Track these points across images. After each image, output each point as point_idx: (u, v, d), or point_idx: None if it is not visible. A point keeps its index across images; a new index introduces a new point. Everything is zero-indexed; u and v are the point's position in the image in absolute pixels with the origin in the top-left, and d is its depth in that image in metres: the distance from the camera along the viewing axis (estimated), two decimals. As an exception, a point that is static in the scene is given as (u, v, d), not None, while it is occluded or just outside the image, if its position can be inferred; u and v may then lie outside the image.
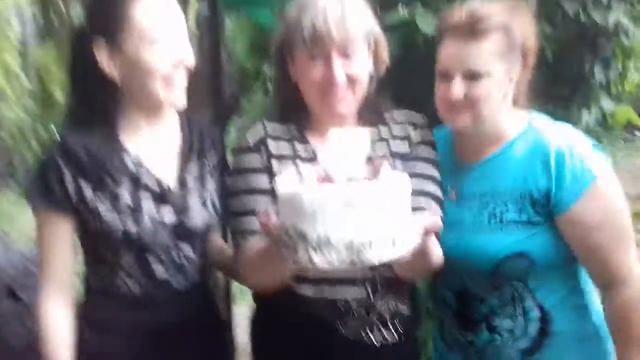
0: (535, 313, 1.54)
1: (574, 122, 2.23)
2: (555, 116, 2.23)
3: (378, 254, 1.01)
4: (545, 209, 1.47)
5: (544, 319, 1.53)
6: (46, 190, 1.44)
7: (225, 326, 1.76)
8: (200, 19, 3.20)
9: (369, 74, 1.48)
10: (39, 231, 1.49)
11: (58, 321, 1.48)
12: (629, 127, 2.48)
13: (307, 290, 1.46)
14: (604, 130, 2.33)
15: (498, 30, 1.42)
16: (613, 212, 1.48)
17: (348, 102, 1.45)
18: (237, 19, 3.19)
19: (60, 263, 1.48)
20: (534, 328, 1.54)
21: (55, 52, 2.18)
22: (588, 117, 2.21)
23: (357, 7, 1.43)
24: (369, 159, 1.37)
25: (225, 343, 1.75)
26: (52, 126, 3.19)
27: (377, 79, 1.53)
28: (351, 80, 1.42)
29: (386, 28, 1.92)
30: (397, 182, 1.08)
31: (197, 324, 1.57)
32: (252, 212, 1.43)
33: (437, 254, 1.34)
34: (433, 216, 1.21)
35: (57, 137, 1.75)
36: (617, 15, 1.93)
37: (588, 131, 2.21)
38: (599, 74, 2.15)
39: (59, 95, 2.32)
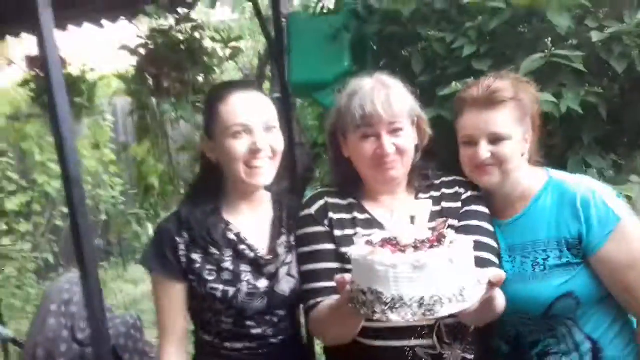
0: (586, 345, 1.65)
1: (640, 170, 2.25)
2: (620, 166, 2.28)
3: (447, 308, 1.11)
4: (580, 250, 1.60)
5: (595, 348, 1.65)
6: (162, 258, 1.67)
7: None
8: (273, 101, 3.47)
9: (414, 145, 1.66)
10: (155, 293, 1.72)
11: None
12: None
13: (376, 342, 1.56)
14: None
15: (512, 100, 1.62)
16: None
17: (398, 169, 1.62)
18: (306, 100, 3.44)
19: (176, 321, 1.69)
20: (587, 359, 1.64)
21: (151, 147, 2.52)
22: (654, 164, 2.22)
23: (399, 90, 1.63)
24: (431, 224, 1.50)
25: None
26: (150, 209, 3.55)
27: (421, 148, 1.71)
28: (399, 151, 1.60)
29: (443, 99, 2.09)
30: (459, 242, 1.19)
31: None
32: (319, 274, 1.59)
33: (501, 302, 1.44)
34: (496, 270, 1.33)
35: (152, 215, 2.03)
36: (666, 66, 1.97)
37: (654, 178, 2.22)
38: (659, 121, 2.16)
39: (155, 181, 2.65)
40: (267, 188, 1.84)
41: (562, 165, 2.19)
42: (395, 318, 1.11)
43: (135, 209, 3.95)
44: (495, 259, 1.60)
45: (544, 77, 2.06)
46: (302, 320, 1.82)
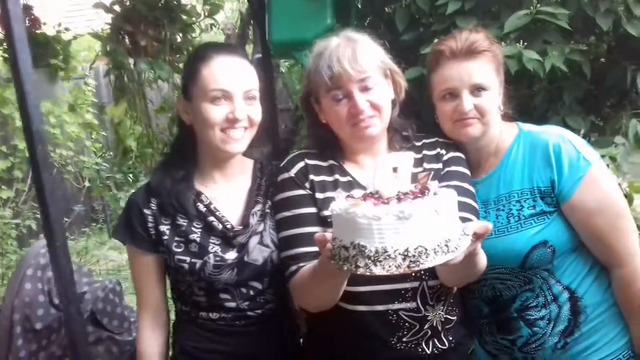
0: (564, 295, 1.66)
1: (625, 131, 2.22)
2: (604, 127, 2.26)
3: (432, 259, 1.09)
4: (553, 198, 1.61)
5: (573, 298, 1.66)
6: (132, 230, 1.65)
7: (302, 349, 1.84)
8: (254, 61, 3.40)
9: (390, 100, 1.61)
10: (131, 265, 1.72)
11: (151, 344, 1.70)
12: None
13: (359, 307, 1.54)
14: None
15: (488, 50, 1.62)
16: (610, 199, 1.62)
17: (375, 125, 1.58)
18: (287, 60, 3.36)
19: (151, 292, 1.69)
20: (566, 309, 1.66)
21: (127, 108, 2.45)
22: (638, 125, 2.19)
23: (366, 44, 1.57)
24: (413, 177, 1.47)
25: None
26: (127, 173, 3.49)
27: (398, 102, 1.67)
28: (374, 107, 1.56)
29: (426, 56, 2.03)
30: (444, 193, 1.17)
31: (277, 350, 1.71)
32: (301, 238, 1.55)
33: (483, 260, 1.43)
34: (482, 221, 1.30)
35: (131, 180, 1.97)
36: (653, 26, 1.92)
37: (638, 139, 2.20)
38: (643, 82, 2.13)
39: (133, 144, 2.59)
40: (250, 155, 1.81)
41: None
42: (379, 271, 1.09)
43: (113, 173, 3.88)
44: (475, 219, 1.58)
45: (529, 34, 2.02)
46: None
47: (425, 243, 1.09)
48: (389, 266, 1.08)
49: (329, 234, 1.22)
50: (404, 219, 1.08)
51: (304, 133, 3.61)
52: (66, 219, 7.14)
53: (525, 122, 1.84)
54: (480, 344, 1.85)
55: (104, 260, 6.36)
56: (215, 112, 1.57)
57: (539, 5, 1.93)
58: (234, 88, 1.58)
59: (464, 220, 1.47)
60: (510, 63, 1.93)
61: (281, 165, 1.70)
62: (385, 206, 1.12)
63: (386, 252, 1.09)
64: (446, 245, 1.11)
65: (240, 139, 1.61)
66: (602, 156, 2.34)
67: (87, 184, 6.61)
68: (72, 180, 7.01)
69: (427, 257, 1.09)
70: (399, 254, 1.08)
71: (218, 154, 1.65)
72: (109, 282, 3.06)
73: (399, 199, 1.15)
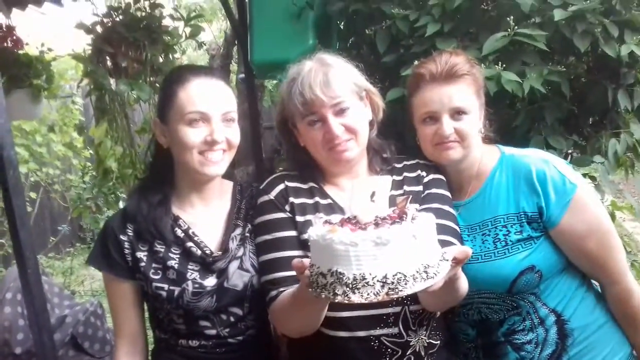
0: (551, 318, 1.66)
1: (605, 150, 2.23)
2: (583, 146, 2.26)
3: (411, 285, 1.06)
4: (541, 224, 1.61)
5: (560, 321, 1.66)
6: (108, 257, 1.61)
7: None
8: (239, 81, 3.41)
9: (367, 121, 1.61)
10: (107, 292, 1.67)
11: None
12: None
13: (340, 333, 1.52)
14: (636, 156, 2.30)
15: (468, 74, 1.62)
16: (598, 219, 1.62)
17: (352, 149, 1.57)
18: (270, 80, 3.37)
19: (128, 319, 1.65)
20: (553, 332, 1.65)
21: (108, 128, 2.44)
22: (617, 145, 2.20)
23: (339, 68, 1.57)
24: (392, 200, 1.46)
25: None
26: (108, 194, 3.46)
27: (376, 122, 1.67)
28: (350, 130, 1.55)
29: (407, 78, 2.04)
30: (422, 218, 1.15)
31: None
32: (281, 263, 1.52)
33: (464, 285, 1.42)
34: (461, 246, 1.28)
35: (112, 201, 1.93)
36: (630, 47, 1.93)
37: (618, 159, 2.21)
38: (623, 102, 2.14)
39: (114, 165, 2.57)
40: (232, 175, 1.79)
41: (524, 146, 2.16)
42: (358, 299, 1.06)
43: (94, 194, 3.84)
44: (457, 242, 1.57)
45: (507, 56, 2.03)
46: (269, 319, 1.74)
47: (404, 269, 1.07)
48: (368, 294, 1.06)
49: (306, 261, 1.19)
50: (382, 245, 1.06)
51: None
52: (52, 239, 7.09)
53: (508, 142, 1.85)
54: None
55: (90, 280, 6.28)
56: (193, 135, 1.54)
57: (516, 27, 1.94)
58: (211, 110, 1.55)
59: (445, 243, 1.46)
60: (490, 84, 1.93)
61: (261, 187, 1.68)
62: (362, 232, 1.10)
63: (364, 279, 1.06)
64: (425, 272, 1.09)
65: (219, 162, 1.59)
66: (583, 174, 2.35)
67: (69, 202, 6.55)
68: (59, 199, 6.96)
69: (406, 284, 1.06)
70: (378, 281, 1.06)
71: (196, 177, 1.62)
72: (90, 304, 3.04)
73: (376, 224, 1.13)
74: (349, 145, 1.56)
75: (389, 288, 1.06)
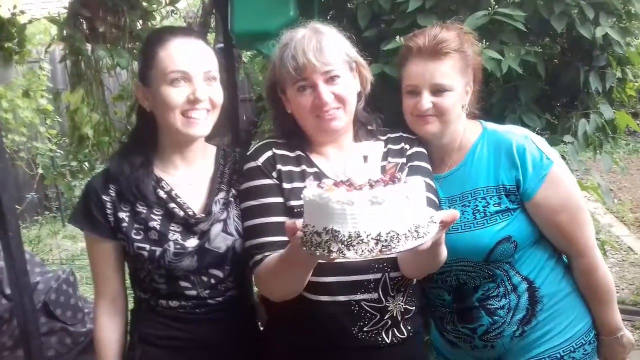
0: (523, 285, 1.74)
1: (574, 130, 2.30)
2: (556, 125, 2.33)
3: (403, 243, 1.11)
4: (518, 196, 1.68)
5: (531, 287, 1.75)
6: (90, 216, 1.62)
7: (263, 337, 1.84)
8: (216, 51, 3.38)
9: (355, 93, 1.63)
10: (88, 252, 1.68)
11: (108, 331, 1.67)
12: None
13: (322, 297, 1.55)
14: (605, 137, 2.38)
15: (456, 51, 1.64)
16: (571, 195, 1.70)
17: (340, 118, 1.59)
18: (249, 51, 3.34)
19: (109, 279, 1.67)
20: (524, 299, 1.74)
21: (84, 95, 2.38)
22: (587, 125, 2.28)
23: (332, 36, 1.58)
24: (381, 169, 1.49)
25: (261, 357, 1.83)
26: (83, 161, 3.41)
27: (364, 95, 1.68)
28: (339, 99, 1.56)
29: (388, 52, 2.06)
30: (413, 181, 1.19)
31: (237, 338, 1.71)
32: (266, 228, 1.55)
33: (444, 252, 1.45)
34: (449, 210, 1.33)
35: (87, 168, 1.93)
36: (604, 29, 2.00)
37: (587, 138, 2.29)
38: (594, 83, 2.21)
39: (89, 132, 2.53)
40: (213, 141, 1.79)
41: (500, 124, 2.22)
42: (352, 255, 1.09)
43: (68, 161, 3.78)
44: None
45: (487, 34, 2.07)
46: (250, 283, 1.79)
47: (396, 228, 1.10)
48: (362, 250, 1.09)
49: (299, 222, 1.22)
50: (377, 204, 1.10)
51: (265, 125, 3.61)
52: (18, 207, 6.96)
53: (484, 119, 1.89)
54: (440, 332, 1.91)
55: (58, 250, 6.21)
56: (175, 94, 1.54)
57: (496, 6, 1.98)
58: (193, 69, 1.55)
59: None
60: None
61: (248, 153, 1.68)
62: (358, 192, 1.13)
63: (359, 236, 1.09)
64: (416, 231, 1.13)
65: (203, 122, 1.59)
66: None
67: (40, 170, 6.43)
68: (25, 167, 6.82)
69: (398, 241, 1.10)
70: (372, 238, 1.09)
71: (180, 138, 1.62)
72: (62, 272, 3.02)
73: (371, 186, 1.17)
74: (337, 114, 1.57)
75: (383, 245, 1.10)
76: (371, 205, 1.10)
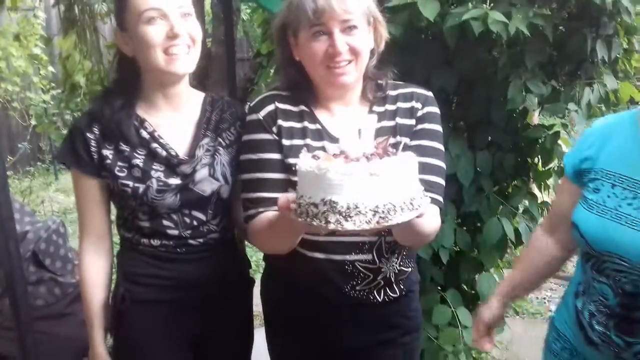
0: None
1: (578, 99, 2.27)
2: (559, 93, 2.29)
3: (399, 215, 1.12)
4: None
5: None
6: (75, 154, 1.62)
7: (249, 286, 1.88)
8: (214, 3, 3.28)
9: (369, 49, 1.56)
10: (74, 190, 1.69)
11: (93, 269, 1.68)
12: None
13: (317, 254, 1.55)
14: (607, 107, 2.35)
15: None
16: None
17: (350, 73, 1.52)
18: (251, 5, 3.25)
19: (94, 217, 1.67)
20: None
21: (77, 41, 2.30)
22: (590, 94, 2.24)
23: None
24: (380, 133, 1.45)
25: (249, 301, 1.88)
26: (75, 110, 3.34)
27: (377, 53, 1.60)
28: (353, 52, 1.49)
29: (391, 10, 2.00)
30: (408, 156, 1.20)
31: (222, 281, 1.71)
32: (262, 184, 1.53)
33: (432, 224, 1.44)
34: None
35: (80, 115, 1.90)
36: (615, -5, 1.94)
37: (590, 108, 2.25)
38: (601, 52, 2.16)
39: (81, 80, 2.46)
40: (205, 88, 1.76)
41: (502, 90, 2.18)
42: (350, 226, 1.10)
43: (60, 109, 3.71)
44: (442, 180, 1.57)
45: (495, -5, 2.01)
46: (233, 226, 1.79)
47: (393, 200, 1.12)
48: (360, 222, 1.10)
49: (291, 196, 1.21)
50: (375, 175, 1.11)
51: (262, 82, 3.54)
52: (10, 157, 6.89)
53: (486, 85, 1.81)
54: (580, 324, 1.58)
55: (50, 202, 6.18)
56: (154, 32, 1.52)
57: (506, -35, 1.91)
58: (166, 6, 1.53)
59: (431, 184, 1.51)
60: (475, 24, 1.91)
61: (251, 105, 1.64)
62: (356, 163, 1.14)
63: (357, 207, 1.10)
64: (411, 203, 1.14)
65: (184, 56, 1.57)
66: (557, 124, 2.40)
67: (33, 121, 6.34)
68: (18, 117, 6.73)
69: (395, 213, 1.11)
70: (370, 209, 1.10)
71: (164, 78, 1.61)
72: (52, 222, 2.99)
73: (367, 159, 1.17)
74: (347, 69, 1.51)
75: (380, 217, 1.10)
76: (369, 177, 1.10)
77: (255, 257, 4.84)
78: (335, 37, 1.47)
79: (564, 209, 1.59)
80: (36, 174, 7.36)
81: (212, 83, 3.19)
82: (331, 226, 1.10)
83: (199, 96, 1.74)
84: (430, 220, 1.43)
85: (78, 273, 1.70)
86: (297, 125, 1.58)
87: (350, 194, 1.10)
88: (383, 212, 1.10)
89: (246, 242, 1.95)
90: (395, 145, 1.53)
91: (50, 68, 6.34)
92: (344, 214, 1.10)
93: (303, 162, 1.18)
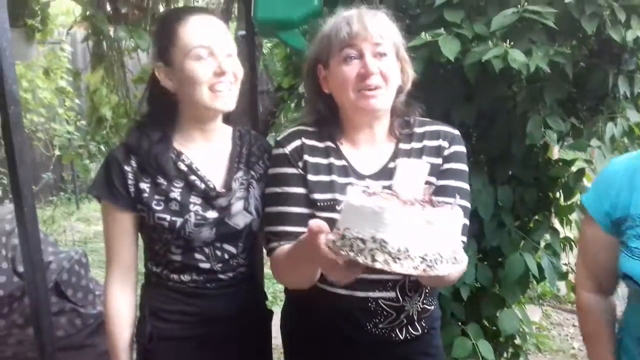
0: None
1: (601, 134, 2.26)
2: (580, 129, 2.29)
3: (444, 267, 1.12)
4: None
5: None
6: (110, 186, 1.61)
7: (268, 319, 1.87)
8: (238, 38, 3.36)
9: (397, 82, 1.57)
10: (104, 222, 1.67)
11: (119, 303, 1.66)
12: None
13: (339, 290, 1.54)
14: (631, 142, 2.34)
15: None
16: None
17: (381, 98, 1.52)
18: (271, 39, 3.32)
19: (124, 250, 1.66)
20: None
21: (104, 75, 2.37)
22: (614, 129, 2.23)
23: (387, 18, 1.55)
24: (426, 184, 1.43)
25: (268, 334, 1.87)
26: (101, 142, 3.42)
27: (405, 91, 1.61)
28: (383, 77, 1.51)
29: (412, 48, 2.03)
30: (457, 210, 1.20)
31: (245, 315, 1.72)
32: (286, 217, 1.54)
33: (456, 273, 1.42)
34: None
35: (104, 150, 1.93)
36: (636, 32, 1.95)
37: (614, 142, 2.24)
38: (622, 87, 2.16)
39: (108, 114, 2.53)
40: (229, 122, 1.79)
41: (522, 125, 2.19)
42: (397, 268, 1.09)
43: (86, 142, 3.79)
44: (467, 222, 1.56)
45: (515, 33, 2.03)
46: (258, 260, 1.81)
47: (441, 251, 1.12)
48: (407, 266, 1.09)
49: (323, 224, 1.19)
50: (430, 224, 1.11)
51: (284, 117, 3.59)
52: (34, 187, 7.00)
53: (505, 122, 1.81)
54: None
55: (71, 231, 6.25)
56: (203, 69, 1.55)
57: (526, 3, 1.94)
58: (216, 43, 1.56)
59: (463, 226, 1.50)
60: (496, 62, 1.93)
61: (278, 139, 1.66)
62: (414, 208, 1.14)
63: (407, 251, 1.09)
64: (455, 257, 1.15)
65: (228, 93, 1.59)
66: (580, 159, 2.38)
67: (57, 152, 6.47)
68: (42, 147, 6.87)
69: (440, 263, 1.11)
70: (418, 256, 1.10)
71: (204, 113, 1.63)
72: (75, 252, 3.02)
73: (421, 204, 1.17)
74: (379, 92, 1.51)
75: (427, 265, 1.10)
76: (425, 224, 1.11)
77: (272, 288, 4.83)
78: (367, 58, 1.49)
79: (604, 261, 1.54)
80: (58, 203, 7.46)
81: (235, 116, 3.25)
82: (377, 265, 1.09)
83: (228, 130, 1.76)
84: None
85: (102, 305, 1.70)
86: (323, 161, 1.59)
87: (403, 237, 1.10)
88: (430, 260, 1.10)
89: (265, 273, 1.95)
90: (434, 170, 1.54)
91: (76, 100, 6.48)
92: (393, 255, 1.09)
93: (355, 196, 1.18)
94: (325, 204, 1.53)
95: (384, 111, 1.58)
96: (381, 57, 1.51)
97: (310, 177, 1.56)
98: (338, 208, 1.49)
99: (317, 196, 1.53)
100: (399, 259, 1.09)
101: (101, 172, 1.67)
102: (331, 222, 1.21)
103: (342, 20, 1.53)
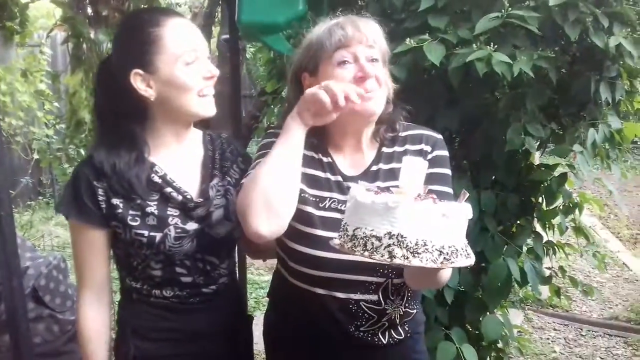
0: None
1: (582, 140, 2.28)
2: (561, 135, 2.31)
3: (460, 260, 1.13)
4: None
5: None
6: (79, 204, 1.51)
7: (249, 323, 1.85)
8: (221, 42, 3.34)
9: (388, 90, 1.56)
10: (74, 241, 1.57)
11: (97, 325, 1.59)
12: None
13: (320, 290, 1.52)
14: (612, 147, 2.36)
15: None
16: None
17: (378, 100, 1.51)
18: (255, 43, 3.31)
19: (97, 269, 1.58)
20: None
21: (84, 78, 2.33)
22: (595, 135, 2.25)
23: (377, 26, 1.55)
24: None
25: (250, 343, 1.84)
26: (80, 146, 3.35)
27: (390, 101, 1.60)
28: (378, 81, 1.50)
29: (397, 55, 2.03)
30: (467, 205, 1.21)
31: (229, 327, 1.69)
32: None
33: (448, 273, 1.45)
34: None
35: (85, 155, 1.86)
36: (618, 39, 1.97)
37: (595, 148, 2.26)
38: (604, 94, 2.18)
39: (87, 117, 2.48)
40: (211, 127, 1.75)
41: (503, 131, 2.19)
42: (417, 262, 1.10)
43: (65, 145, 3.71)
44: None
45: (499, 37, 2.04)
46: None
47: (456, 244, 1.14)
48: (427, 259, 1.10)
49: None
50: (446, 217, 1.12)
51: (267, 121, 3.57)
52: (11, 192, 6.88)
53: (487, 127, 1.80)
54: None
55: (49, 236, 6.15)
56: (193, 74, 1.49)
57: (510, 8, 1.95)
58: (199, 47, 1.52)
59: None
60: (479, 65, 1.94)
61: (262, 143, 1.62)
62: (427, 202, 1.16)
63: (425, 245, 1.11)
64: (466, 250, 1.16)
65: (211, 99, 1.56)
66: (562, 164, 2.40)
67: (35, 156, 6.36)
68: (20, 151, 6.75)
69: (456, 256, 1.13)
70: (436, 249, 1.11)
71: (186, 119, 1.58)
72: (53, 258, 2.97)
73: (433, 199, 1.19)
74: (375, 95, 1.50)
75: (445, 257, 1.11)
76: (441, 217, 1.12)
77: (255, 294, 4.80)
78: (362, 61, 1.48)
79: None
80: (37, 207, 7.34)
81: (216, 120, 3.22)
82: (396, 260, 1.10)
83: (198, 134, 1.71)
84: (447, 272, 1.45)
85: (76, 326, 1.62)
86: (314, 155, 1.57)
87: (421, 231, 1.10)
88: (447, 253, 1.11)
89: (248, 279, 1.93)
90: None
91: (55, 103, 6.38)
92: (411, 250, 1.10)
93: (362, 194, 1.18)
94: (314, 198, 1.52)
95: (377, 116, 1.56)
96: (373, 62, 1.50)
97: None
98: (322, 205, 1.50)
99: (302, 187, 1.51)
100: (417, 253, 1.10)
101: (69, 188, 1.56)
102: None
103: (334, 26, 1.51)
